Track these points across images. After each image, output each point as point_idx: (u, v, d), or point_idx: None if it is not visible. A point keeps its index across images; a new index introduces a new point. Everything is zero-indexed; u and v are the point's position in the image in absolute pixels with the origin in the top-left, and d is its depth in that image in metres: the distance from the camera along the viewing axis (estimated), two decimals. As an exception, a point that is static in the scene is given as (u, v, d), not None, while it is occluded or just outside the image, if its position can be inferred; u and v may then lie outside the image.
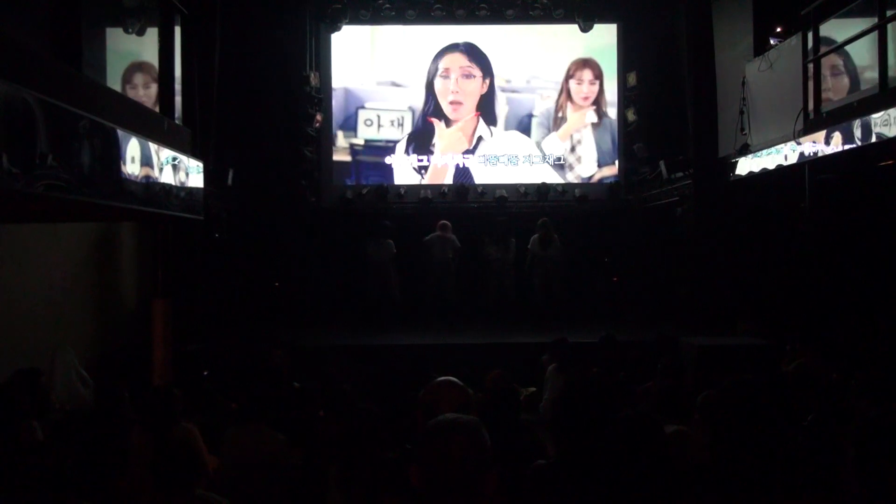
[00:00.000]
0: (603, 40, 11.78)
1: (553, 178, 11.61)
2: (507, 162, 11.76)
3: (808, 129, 7.04)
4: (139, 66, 5.34)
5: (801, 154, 7.06)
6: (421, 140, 11.72)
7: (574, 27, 11.48)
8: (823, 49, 7.00)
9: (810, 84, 7.15)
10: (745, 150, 8.48)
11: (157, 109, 5.36)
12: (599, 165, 11.82)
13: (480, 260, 9.98)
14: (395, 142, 11.72)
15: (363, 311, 10.01)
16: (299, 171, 11.02)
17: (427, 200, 11.24)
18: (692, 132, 9.81)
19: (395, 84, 11.74)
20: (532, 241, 9.77)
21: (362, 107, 11.74)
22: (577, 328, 9.04)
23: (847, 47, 6.87)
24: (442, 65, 11.75)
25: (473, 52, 11.81)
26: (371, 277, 9.75)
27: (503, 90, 11.77)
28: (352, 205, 11.28)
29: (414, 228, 10.27)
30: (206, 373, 6.19)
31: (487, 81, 11.75)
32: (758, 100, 8.45)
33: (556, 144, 11.79)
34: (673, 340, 7.46)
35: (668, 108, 10.81)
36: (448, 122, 11.75)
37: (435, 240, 9.79)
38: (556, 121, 11.80)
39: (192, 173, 5.73)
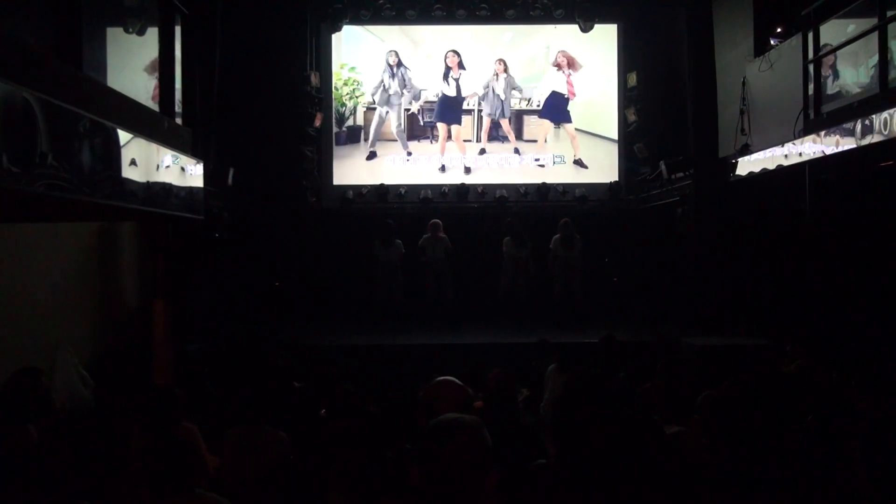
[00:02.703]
0: (603, 40, 11.78)
1: (554, 178, 11.61)
2: (509, 162, 11.77)
3: (809, 129, 7.04)
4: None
5: (802, 154, 7.06)
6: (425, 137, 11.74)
7: (574, 27, 11.50)
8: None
9: (810, 84, 7.16)
10: (745, 151, 8.48)
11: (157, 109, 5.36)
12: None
13: (476, 258, 9.95)
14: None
15: (364, 311, 10.00)
16: (300, 170, 11.02)
17: (427, 200, 11.23)
18: (692, 132, 9.82)
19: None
20: (553, 241, 9.76)
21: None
22: (577, 328, 9.05)
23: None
24: (447, 62, 11.69)
25: (475, 50, 11.81)
26: (378, 278, 9.73)
27: (506, 88, 11.74)
28: (352, 205, 11.28)
29: (415, 228, 10.26)
30: (206, 373, 6.19)
31: (491, 79, 11.72)
32: (758, 100, 8.44)
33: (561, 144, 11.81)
34: (673, 340, 7.46)
35: (668, 108, 10.80)
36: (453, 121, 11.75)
37: (426, 241, 9.80)
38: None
39: (193, 173, 5.73)
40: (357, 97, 11.61)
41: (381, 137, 11.61)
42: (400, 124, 11.58)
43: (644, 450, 2.24)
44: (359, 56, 11.68)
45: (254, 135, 10.47)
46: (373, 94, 11.54)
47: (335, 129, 11.60)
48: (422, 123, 11.68)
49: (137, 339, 7.13)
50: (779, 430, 2.45)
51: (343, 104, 11.59)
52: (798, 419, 3.63)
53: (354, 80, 11.60)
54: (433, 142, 11.68)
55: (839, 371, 5.16)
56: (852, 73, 6.93)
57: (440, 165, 11.57)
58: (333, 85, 11.58)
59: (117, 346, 7.14)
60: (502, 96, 11.67)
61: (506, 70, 11.66)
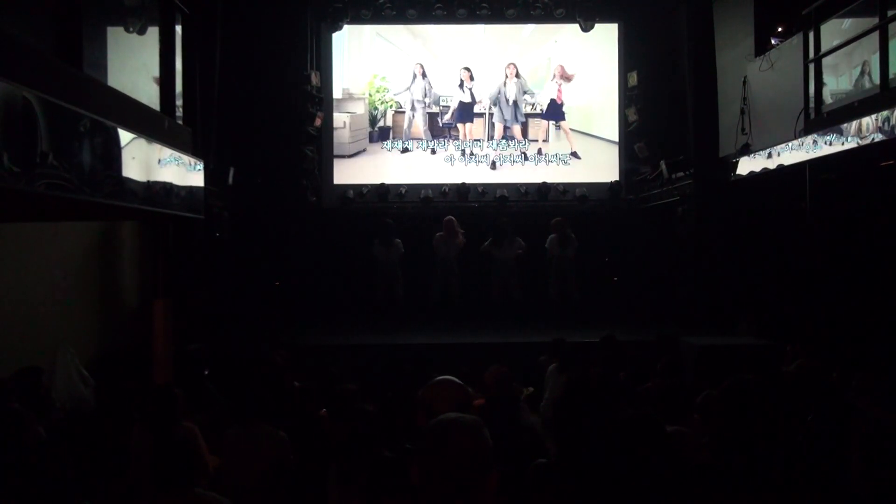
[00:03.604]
0: (603, 40, 11.78)
1: (555, 177, 11.61)
2: (512, 161, 11.78)
3: (809, 128, 7.04)
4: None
5: (802, 154, 7.06)
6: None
7: (576, 37, 11.50)
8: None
9: (811, 84, 7.16)
10: (745, 150, 8.48)
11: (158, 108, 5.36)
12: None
13: (483, 259, 9.95)
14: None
15: (364, 311, 10.01)
16: (300, 170, 11.02)
17: (428, 200, 11.23)
18: (693, 132, 9.81)
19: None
20: (550, 240, 9.74)
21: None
22: (577, 328, 9.04)
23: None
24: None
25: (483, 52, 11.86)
26: (378, 277, 9.72)
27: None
28: (352, 204, 11.28)
29: (414, 228, 10.26)
30: (206, 372, 6.19)
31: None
32: (759, 99, 8.44)
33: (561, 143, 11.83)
34: (673, 340, 7.45)
35: (668, 108, 10.80)
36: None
37: (440, 241, 9.80)
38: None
39: (193, 172, 5.73)
40: (386, 102, 11.91)
41: (410, 136, 11.89)
42: (428, 123, 11.86)
43: (644, 450, 2.24)
44: (386, 66, 11.94)
45: (254, 134, 10.47)
46: (400, 98, 11.89)
47: (369, 129, 11.90)
48: (440, 124, 11.85)
49: (138, 339, 7.13)
50: (779, 430, 2.45)
51: (375, 108, 11.91)
52: (798, 419, 3.64)
53: (384, 88, 11.92)
54: (450, 140, 11.90)
55: (839, 371, 5.16)
56: (833, 82, 7.01)
57: (461, 150, 11.81)
58: (367, 92, 11.84)
59: (117, 345, 7.15)
60: (514, 99, 11.75)
61: (517, 75, 11.77)
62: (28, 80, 3.18)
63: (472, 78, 11.82)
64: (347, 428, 3.91)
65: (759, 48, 8.51)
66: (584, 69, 11.81)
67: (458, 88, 11.83)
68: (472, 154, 11.77)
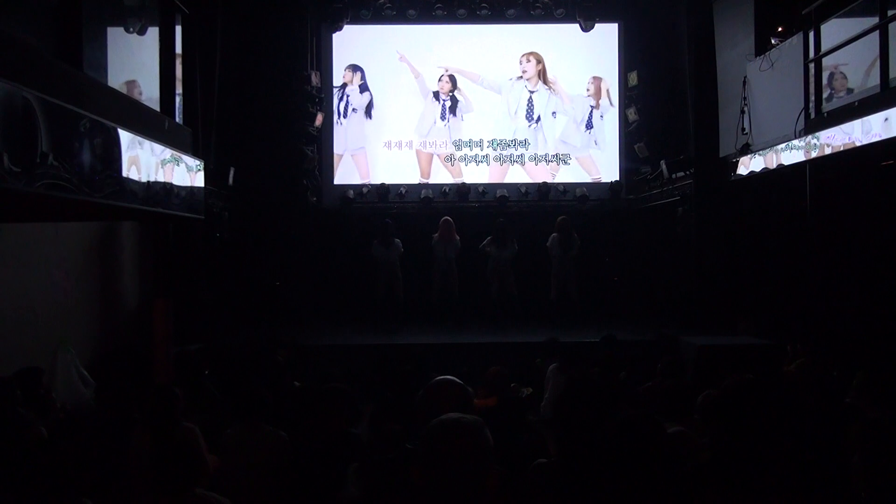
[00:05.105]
0: (604, 40, 11.79)
1: (555, 177, 11.63)
2: (512, 161, 11.80)
3: (809, 128, 7.05)
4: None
5: (802, 154, 7.06)
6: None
7: (575, 26, 11.51)
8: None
9: (811, 83, 7.16)
10: (746, 150, 8.48)
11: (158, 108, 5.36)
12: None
13: (479, 258, 9.95)
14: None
15: (364, 311, 10.01)
16: (300, 170, 11.02)
17: (428, 200, 11.23)
18: (693, 132, 9.81)
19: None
20: (551, 240, 9.72)
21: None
22: (577, 328, 9.05)
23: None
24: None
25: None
26: (378, 277, 9.73)
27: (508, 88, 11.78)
28: (352, 204, 11.28)
29: (415, 228, 10.26)
30: (206, 373, 6.18)
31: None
32: (759, 99, 8.44)
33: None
34: (673, 340, 7.47)
35: (668, 107, 10.80)
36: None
37: (437, 242, 9.80)
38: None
39: (193, 172, 5.73)
40: None
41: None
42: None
43: (644, 450, 2.24)
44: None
45: (254, 134, 10.47)
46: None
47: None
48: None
49: (138, 339, 7.13)
50: (779, 430, 2.45)
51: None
52: (798, 419, 3.63)
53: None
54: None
55: (839, 371, 5.17)
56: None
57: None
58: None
59: (118, 345, 7.15)
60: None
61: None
62: (28, 80, 3.18)
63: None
64: (344, 427, 3.91)
65: (759, 48, 8.50)
66: (584, 69, 11.80)
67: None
68: (476, 154, 11.74)
